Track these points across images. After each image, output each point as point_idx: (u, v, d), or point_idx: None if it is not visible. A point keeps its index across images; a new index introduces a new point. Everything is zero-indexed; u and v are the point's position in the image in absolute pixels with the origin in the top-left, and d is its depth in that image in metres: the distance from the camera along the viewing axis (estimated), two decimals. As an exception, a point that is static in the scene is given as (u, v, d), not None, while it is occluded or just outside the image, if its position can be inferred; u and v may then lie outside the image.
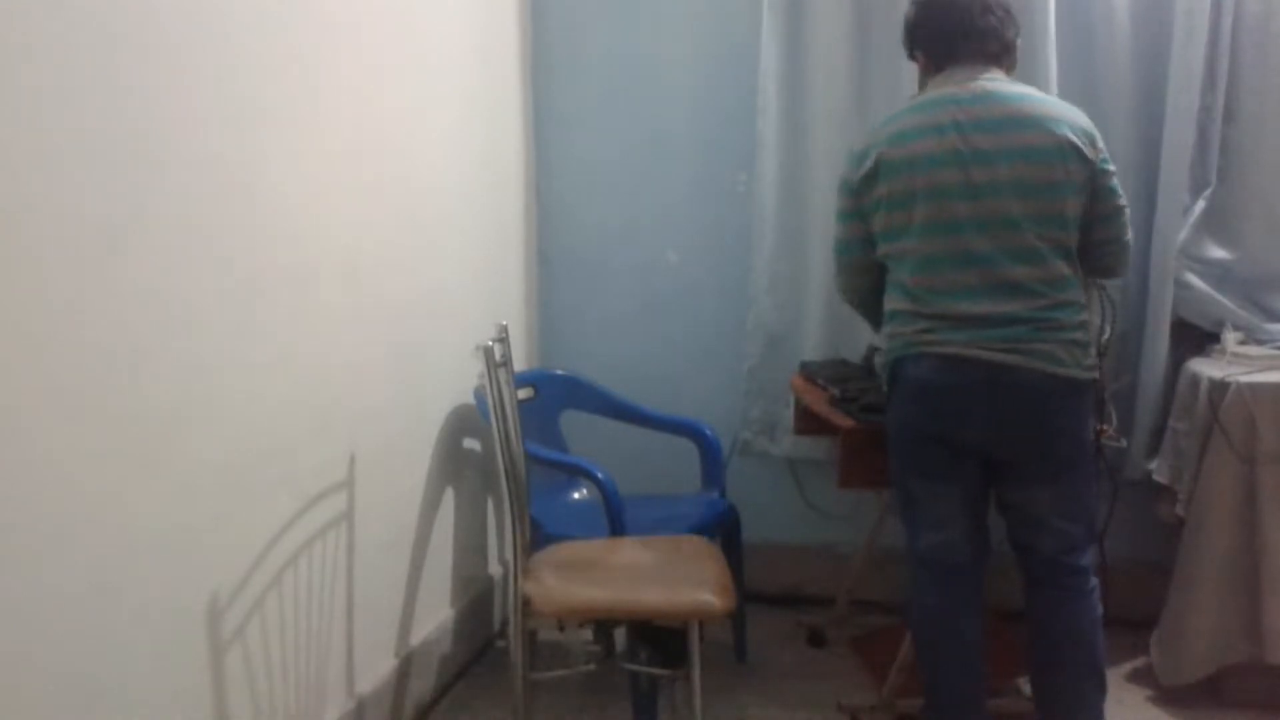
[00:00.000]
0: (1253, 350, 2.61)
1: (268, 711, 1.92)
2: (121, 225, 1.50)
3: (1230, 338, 2.64)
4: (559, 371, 3.06)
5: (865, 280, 2.21)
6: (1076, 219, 2.03)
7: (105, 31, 1.46)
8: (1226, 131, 2.74)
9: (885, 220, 2.08)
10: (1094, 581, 2.11)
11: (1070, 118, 2.04)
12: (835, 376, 2.69)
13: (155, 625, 1.61)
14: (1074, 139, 2.01)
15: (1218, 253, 2.76)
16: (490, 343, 2.00)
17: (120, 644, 1.54)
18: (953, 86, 2.09)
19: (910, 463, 2.13)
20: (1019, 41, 2.19)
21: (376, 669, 2.33)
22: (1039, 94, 2.14)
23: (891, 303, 2.12)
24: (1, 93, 1.30)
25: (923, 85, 2.21)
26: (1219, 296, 2.75)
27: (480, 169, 2.84)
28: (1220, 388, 2.42)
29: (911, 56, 2.26)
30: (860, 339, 2.99)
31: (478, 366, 1.97)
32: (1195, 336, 2.76)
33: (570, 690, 2.61)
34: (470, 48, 2.76)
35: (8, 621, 1.34)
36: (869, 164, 2.08)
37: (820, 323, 3.02)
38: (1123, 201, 2.12)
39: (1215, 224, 2.77)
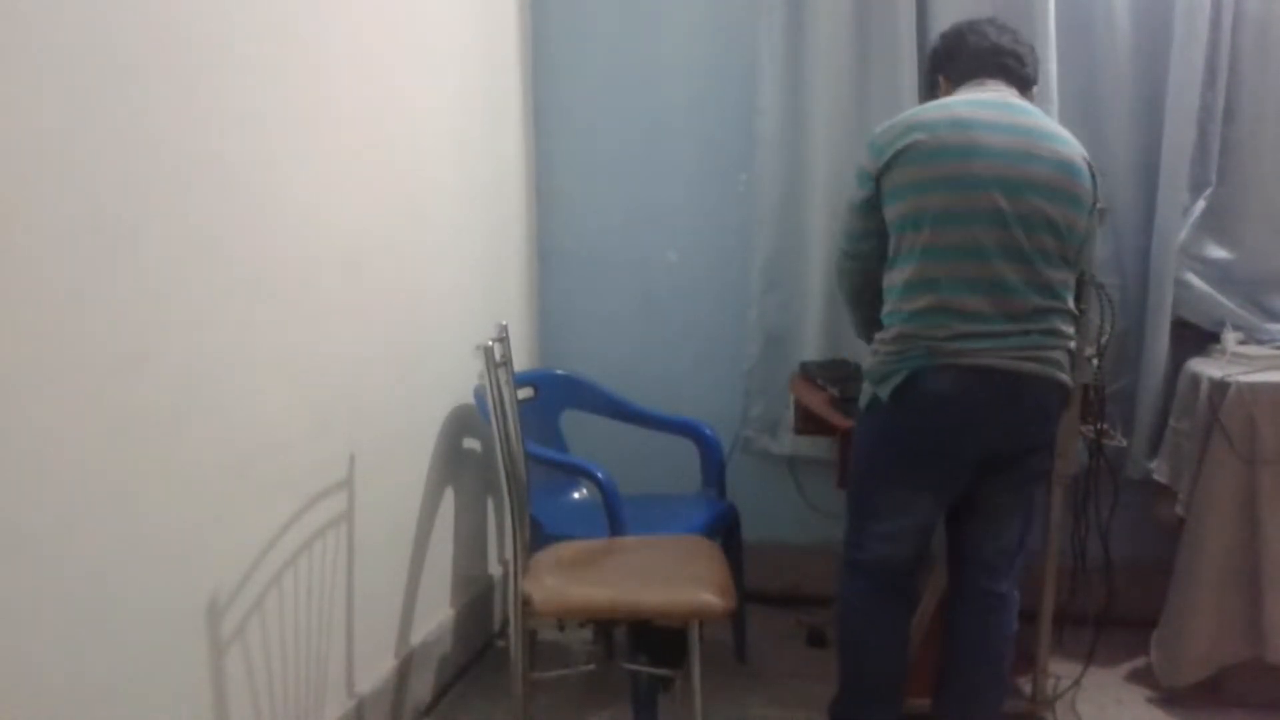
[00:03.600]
0: (1253, 350, 2.61)
1: (268, 711, 1.92)
2: (122, 225, 1.50)
3: (1230, 338, 2.64)
4: (559, 371, 3.05)
5: (873, 277, 2.14)
6: (1083, 235, 2.04)
7: (105, 31, 1.46)
8: (1226, 131, 2.75)
9: (902, 209, 2.02)
10: (1016, 595, 2.15)
11: (1083, 153, 2.05)
12: (835, 376, 2.68)
13: (155, 625, 1.61)
14: (1089, 169, 2.03)
15: (1218, 253, 2.77)
16: (490, 342, 2.00)
17: (120, 644, 1.54)
18: (977, 91, 2.09)
19: (893, 473, 2.08)
20: (1035, 90, 2.19)
21: (376, 669, 2.33)
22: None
23: (900, 301, 2.03)
24: (2, 93, 1.30)
25: None
26: (1219, 296, 2.75)
27: (481, 168, 2.84)
28: (1220, 388, 2.42)
29: (933, 84, 2.26)
30: (860, 339, 2.99)
31: (478, 366, 1.97)
32: (1195, 336, 2.76)
33: (570, 690, 2.61)
34: (471, 47, 2.76)
35: (8, 621, 1.34)
36: (890, 154, 2.02)
37: (820, 323, 3.02)
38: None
39: (1215, 224, 2.77)
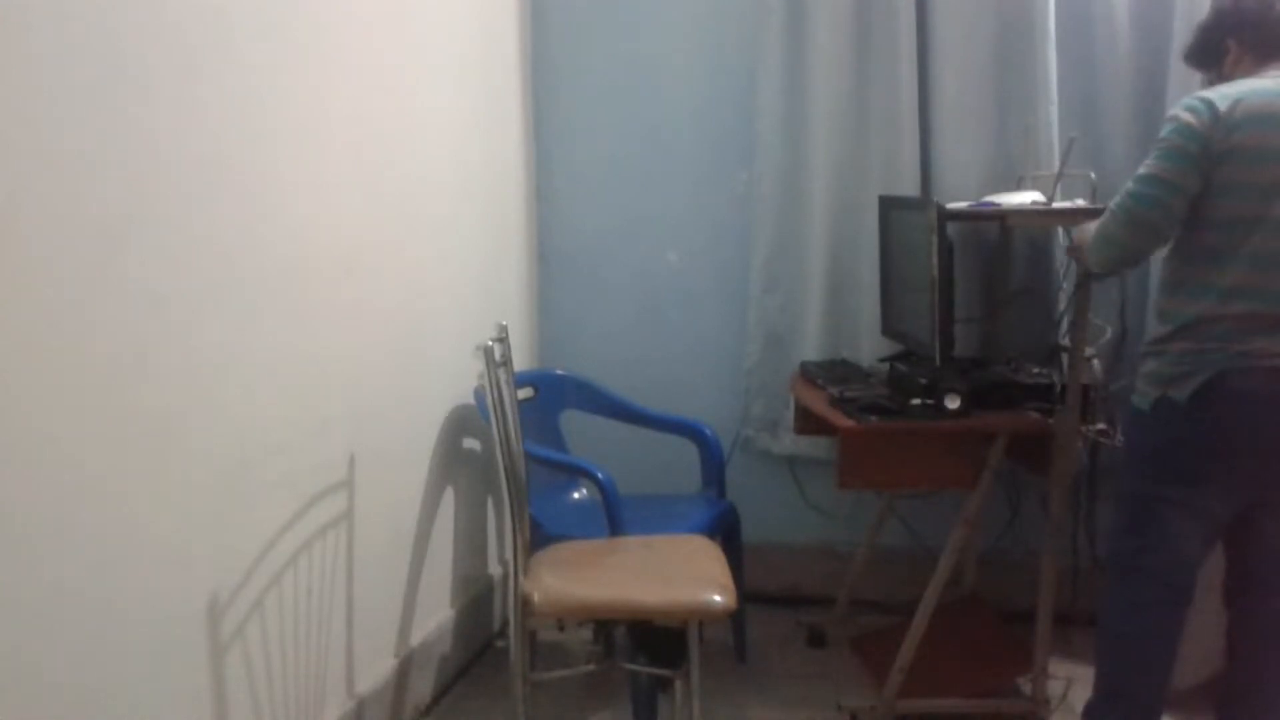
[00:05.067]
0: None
1: (268, 711, 1.92)
2: (121, 225, 1.50)
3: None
4: (559, 371, 3.06)
5: (1154, 245, 2.01)
6: None
7: (105, 32, 1.46)
8: (1227, 131, 2.74)
9: (1232, 209, 1.92)
10: None
11: None
12: (835, 376, 2.69)
13: (155, 625, 1.61)
14: None
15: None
16: (490, 343, 2.00)
17: (120, 644, 1.54)
18: None
19: (1185, 476, 2.02)
20: None
21: (376, 669, 2.33)
22: None
23: (1209, 305, 1.95)
24: (2, 93, 1.30)
25: (1227, 81, 2.04)
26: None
27: (481, 169, 2.84)
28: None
29: (1213, 49, 2.09)
30: (860, 339, 3.00)
31: (478, 366, 1.97)
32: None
33: (570, 690, 2.61)
34: (471, 47, 2.76)
35: (8, 622, 1.34)
36: (1232, 138, 1.89)
37: (820, 323, 3.02)
38: None
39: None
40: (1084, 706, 2.20)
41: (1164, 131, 1.98)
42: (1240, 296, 1.94)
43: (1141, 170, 1.98)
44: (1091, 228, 2.10)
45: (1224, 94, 1.94)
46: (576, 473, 2.77)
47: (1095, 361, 2.30)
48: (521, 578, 2.05)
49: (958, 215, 2.45)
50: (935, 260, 2.30)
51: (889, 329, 2.81)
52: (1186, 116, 1.94)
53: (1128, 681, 2.12)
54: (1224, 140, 1.90)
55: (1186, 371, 1.98)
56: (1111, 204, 2.02)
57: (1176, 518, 2.04)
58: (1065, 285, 2.68)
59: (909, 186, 2.87)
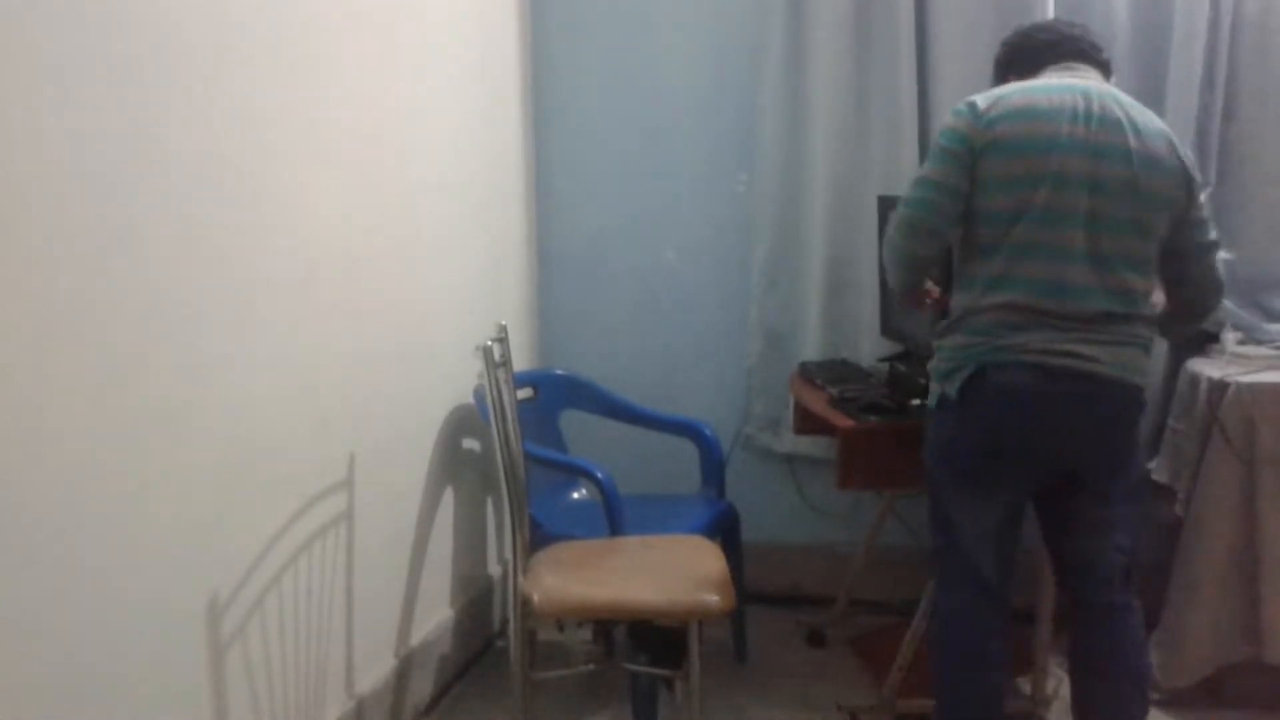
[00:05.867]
0: (1252, 350, 2.61)
1: (268, 711, 1.92)
2: (121, 225, 1.50)
3: (1230, 338, 2.64)
4: (559, 371, 3.06)
5: (932, 247, 2.01)
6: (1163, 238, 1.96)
7: (105, 31, 1.46)
8: (1226, 131, 2.75)
9: (996, 203, 1.93)
10: (1137, 604, 2.05)
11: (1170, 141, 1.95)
12: (835, 376, 2.69)
13: (155, 625, 1.61)
14: (1189, 165, 1.96)
15: (1218, 253, 2.76)
16: (490, 343, 2.00)
17: (120, 644, 1.54)
18: (1068, 76, 1.99)
19: (965, 473, 2.02)
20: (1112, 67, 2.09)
21: (376, 669, 2.33)
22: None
23: (973, 297, 1.96)
24: (2, 93, 1.30)
25: None
26: (1219, 296, 2.75)
27: (481, 168, 2.84)
28: (1220, 388, 2.42)
29: (1003, 82, 2.10)
30: (860, 339, 3.00)
31: (478, 366, 1.97)
32: (1195, 336, 2.76)
33: (570, 690, 2.61)
34: (471, 46, 2.76)
35: (7, 622, 1.34)
36: (991, 131, 1.92)
37: (820, 323, 3.03)
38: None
39: (1215, 224, 2.77)
40: None
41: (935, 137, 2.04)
42: (998, 287, 1.93)
43: (914, 177, 2.05)
44: None
45: (989, 94, 1.99)
46: (576, 473, 2.77)
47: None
48: (521, 578, 2.05)
49: None
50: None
51: (889, 329, 2.81)
52: (950, 120, 2.00)
53: (951, 680, 2.09)
54: (983, 135, 1.93)
55: (954, 367, 1.97)
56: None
57: (963, 516, 2.02)
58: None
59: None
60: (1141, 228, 1.92)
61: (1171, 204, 1.95)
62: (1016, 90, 1.98)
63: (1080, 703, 2.08)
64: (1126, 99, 1.98)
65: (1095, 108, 1.92)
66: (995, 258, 1.94)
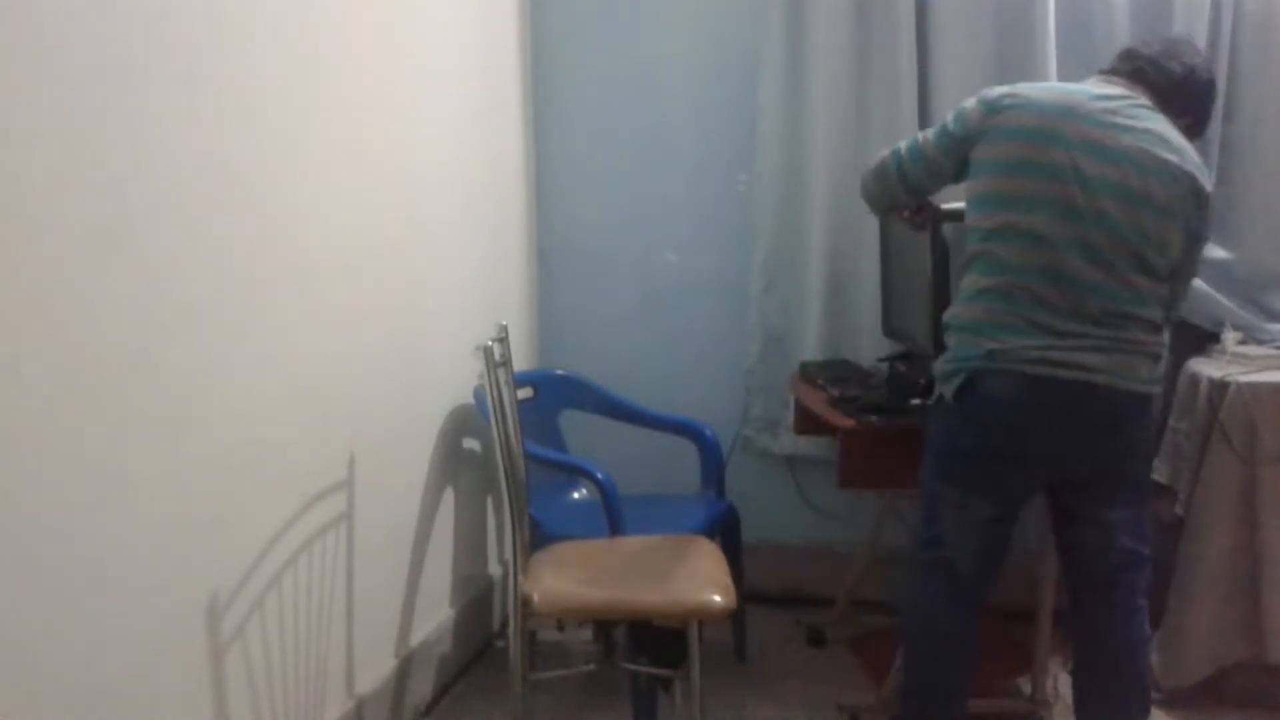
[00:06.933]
0: (1253, 350, 2.61)
1: (268, 711, 1.92)
2: (122, 225, 1.50)
3: (1230, 338, 2.64)
4: (559, 371, 3.06)
5: (896, 197, 2.19)
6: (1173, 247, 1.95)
7: (105, 31, 1.46)
8: (1226, 131, 2.75)
9: (981, 186, 1.97)
10: (1144, 604, 2.05)
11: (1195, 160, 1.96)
12: (835, 376, 2.69)
13: (155, 624, 1.61)
14: (1198, 176, 1.95)
15: (1217, 253, 2.76)
16: (490, 342, 2.00)
17: (120, 643, 1.54)
18: (1104, 85, 2.01)
19: (956, 473, 2.02)
20: (1187, 122, 2.03)
21: (376, 669, 2.33)
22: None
23: (971, 279, 1.97)
24: (1, 93, 1.30)
25: None
26: (1219, 296, 2.75)
27: (480, 168, 2.84)
28: (1220, 388, 2.42)
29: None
30: (860, 339, 3.00)
31: (478, 366, 1.97)
32: (1195, 336, 2.76)
33: (570, 690, 2.61)
34: (471, 46, 2.76)
35: (8, 621, 1.34)
36: (994, 118, 1.96)
37: (820, 323, 3.02)
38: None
39: (1215, 224, 2.76)
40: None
41: None
42: (996, 269, 1.94)
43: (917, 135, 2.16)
44: None
45: (1011, 87, 2.03)
46: (576, 473, 2.77)
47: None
48: (521, 578, 2.05)
49: (952, 215, 2.45)
50: (930, 260, 2.30)
51: (889, 329, 2.81)
52: (967, 103, 2.05)
53: (921, 677, 2.09)
54: (985, 121, 1.99)
55: (952, 370, 1.98)
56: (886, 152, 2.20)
57: (954, 516, 2.02)
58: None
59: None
60: (1150, 236, 1.90)
61: (1184, 219, 1.93)
62: (1041, 86, 2.08)
63: (1081, 703, 2.08)
64: (1168, 129, 1.95)
65: (1116, 115, 1.92)
66: (992, 241, 1.95)
